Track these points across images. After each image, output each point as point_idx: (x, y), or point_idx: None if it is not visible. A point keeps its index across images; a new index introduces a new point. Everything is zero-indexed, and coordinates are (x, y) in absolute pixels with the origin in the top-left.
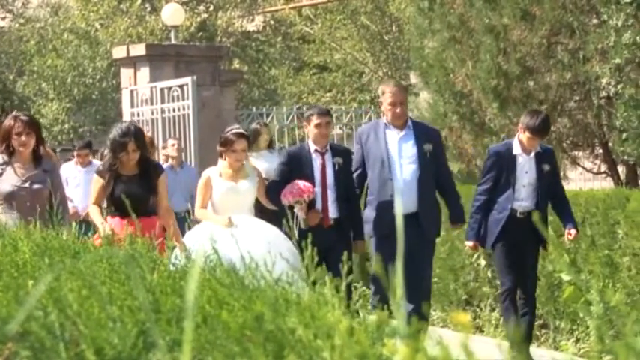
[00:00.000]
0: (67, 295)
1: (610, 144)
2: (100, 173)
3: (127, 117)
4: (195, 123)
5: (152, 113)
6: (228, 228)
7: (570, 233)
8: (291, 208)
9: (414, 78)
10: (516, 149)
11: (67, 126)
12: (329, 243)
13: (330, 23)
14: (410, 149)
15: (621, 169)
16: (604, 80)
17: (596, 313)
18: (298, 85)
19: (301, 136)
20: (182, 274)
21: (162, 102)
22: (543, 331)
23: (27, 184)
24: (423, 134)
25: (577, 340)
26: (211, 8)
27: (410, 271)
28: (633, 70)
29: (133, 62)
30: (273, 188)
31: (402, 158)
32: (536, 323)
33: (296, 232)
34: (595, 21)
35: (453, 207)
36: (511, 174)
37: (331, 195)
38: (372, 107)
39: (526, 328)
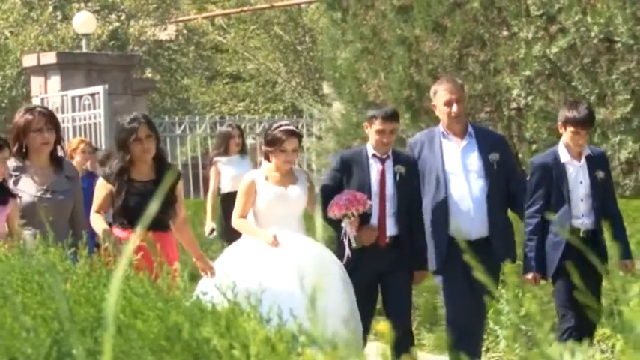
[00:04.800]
0: None
1: (520, 155)
2: (107, 178)
3: None
4: (106, 132)
5: (63, 122)
6: (274, 247)
7: (627, 265)
8: (340, 222)
9: (327, 88)
10: (564, 156)
11: None
12: (384, 266)
13: (243, 33)
14: (475, 161)
15: None
16: (514, 92)
17: (510, 322)
18: (211, 94)
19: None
20: (95, 283)
21: (74, 111)
22: None
23: (49, 194)
24: (487, 141)
25: (487, 350)
26: (123, 17)
27: (476, 303)
28: (543, 82)
29: (43, 70)
30: (323, 196)
31: (467, 174)
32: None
33: (347, 251)
34: (505, 33)
35: None
36: (563, 187)
37: (390, 208)
38: (285, 117)
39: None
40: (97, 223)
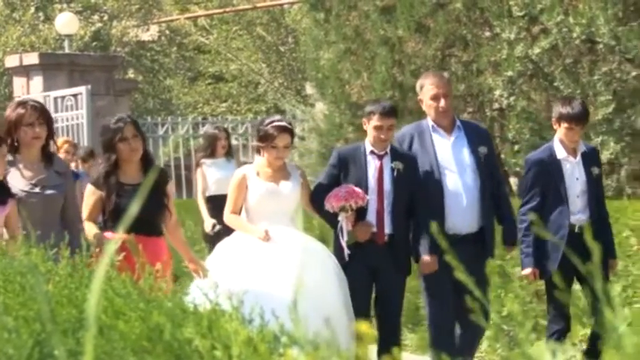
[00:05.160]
0: None
1: (503, 155)
2: (95, 183)
3: None
4: (89, 133)
5: None
6: (265, 242)
7: (611, 265)
8: (337, 216)
9: (309, 89)
10: (560, 153)
11: None
12: (381, 265)
13: (225, 34)
14: (466, 156)
15: (513, 181)
16: (497, 92)
17: (492, 322)
18: (194, 95)
19: (197, 146)
20: (78, 284)
21: (56, 111)
22: None
23: (37, 189)
24: (476, 135)
25: None
26: (106, 17)
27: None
28: (525, 83)
29: (25, 71)
30: (319, 192)
31: (461, 168)
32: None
33: (345, 247)
34: (488, 34)
35: (508, 223)
36: (560, 184)
37: (387, 205)
38: None
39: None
40: (88, 228)
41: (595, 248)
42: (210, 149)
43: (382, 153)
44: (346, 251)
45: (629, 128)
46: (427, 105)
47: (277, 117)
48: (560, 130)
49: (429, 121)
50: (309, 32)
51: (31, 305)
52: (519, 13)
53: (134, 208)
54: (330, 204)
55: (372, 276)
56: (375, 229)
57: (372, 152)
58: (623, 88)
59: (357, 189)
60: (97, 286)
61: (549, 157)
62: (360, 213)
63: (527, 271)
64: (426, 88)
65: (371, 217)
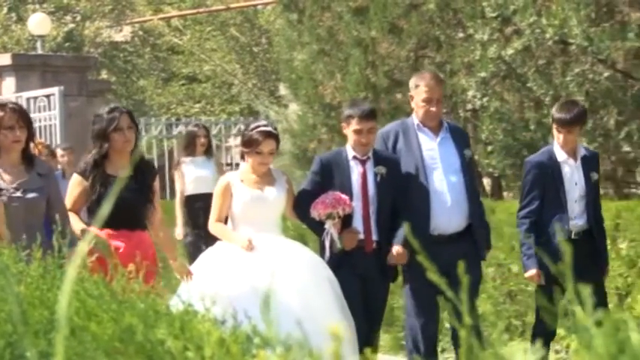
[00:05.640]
0: None
1: (476, 156)
2: (81, 173)
3: None
4: (62, 134)
5: None
6: (249, 251)
7: (604, 272)
8: (322, 223)
9: (283, 90)
10: (560, 155)
11: None
12: (367, 271)
13: (199, 34)
14: (453, 156)
15: (486, 182)
16: (470, 93)
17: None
18: (167, 96)
19: (170, 147)
20: (50, 285)
21: (29, 112)
22: None
23: (19, 193)
24: (461, 137)
25: (442, 350)
26: (78, 18)
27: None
28: (498, 84)
29: None
30: (302, 199)
31: (446, 168)
32: (401, 334)
33: (327, 255)
34: (461, 35)
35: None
36: (560, 187)
37: (373, 212)
38: (242, 118)
39: None
40: (73, 222)
41: (567, 249)
42: (191, 148)
43: (365, 158)
44: (327, 255)
45: (601, 129)
46: (418, 105)
47: (262, 122)
48: (555, 130)
49: (414, 120)
50: (283, 33)
51: (2, 307)
52: (492, 14)
53: (112, 198)
54: (317, 211)
55: (362, 283)
56: (362, 237)
57: (354, 157)
58: (596, 89)
59: (344, 196)
60: (68, 287)
61: (549, 160)
62: (346, 220)
63: (532, 272)
64: (421, 89)
65: (357, 224)
